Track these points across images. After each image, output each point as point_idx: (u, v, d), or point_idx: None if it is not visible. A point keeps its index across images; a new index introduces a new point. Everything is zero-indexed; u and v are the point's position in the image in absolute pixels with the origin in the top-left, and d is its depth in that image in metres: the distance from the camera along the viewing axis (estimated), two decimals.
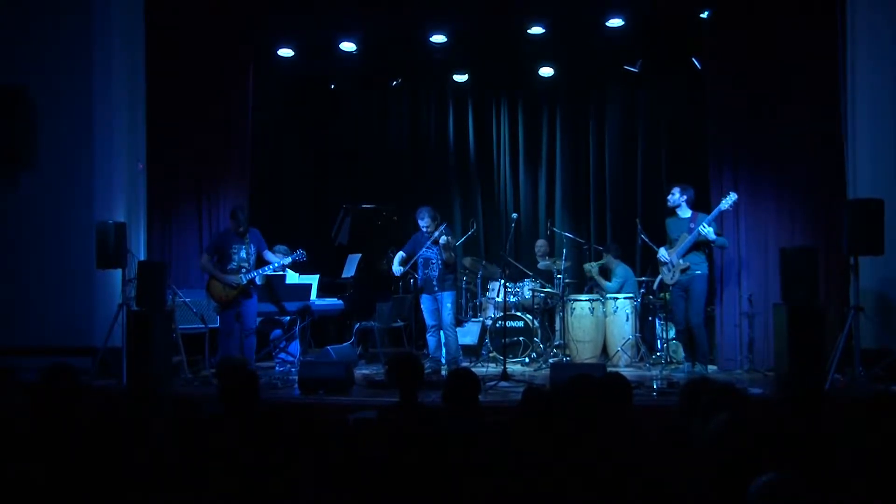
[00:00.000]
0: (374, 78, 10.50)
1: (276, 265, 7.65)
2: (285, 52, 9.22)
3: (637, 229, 8.05)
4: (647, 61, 9.40)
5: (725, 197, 7.24)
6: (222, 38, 8.50)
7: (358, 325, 8.71)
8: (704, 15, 8.02)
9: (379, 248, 9.25)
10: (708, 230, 7.11)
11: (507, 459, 3.13)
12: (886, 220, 6.65)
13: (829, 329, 6.84)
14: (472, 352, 8.95)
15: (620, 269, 8.91)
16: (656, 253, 7.64)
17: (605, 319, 8.59)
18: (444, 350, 7.88)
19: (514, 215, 8.34)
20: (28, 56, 8.00)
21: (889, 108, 7.24)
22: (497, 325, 8.50)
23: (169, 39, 8.40)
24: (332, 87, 10.62)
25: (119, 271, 7.52)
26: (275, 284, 7.95)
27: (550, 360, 8.14)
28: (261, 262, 7.68)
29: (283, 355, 8.31)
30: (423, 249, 7.76)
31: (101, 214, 7.78)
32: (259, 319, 7.98)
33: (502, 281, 8.32)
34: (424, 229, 7.83)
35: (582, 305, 8.55)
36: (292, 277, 8.33)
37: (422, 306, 8.00)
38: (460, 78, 10.41)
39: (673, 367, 7.77)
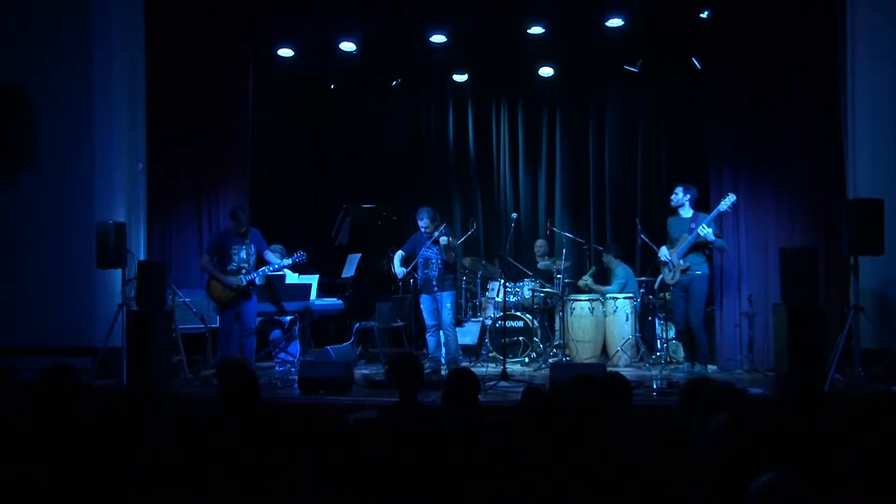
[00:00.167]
0: (374, 78, 10.50)
1: (277, 266, 7.65)
2: (285, 52, 9.22)
3: (637, 229, 8.05)
4: (647, 61, 9.41)
5: (724, 198, 7.24)
6: (222, 38, 8.50)
7: (358, 325, 8.71)
8: (704, 15, 8.02)
9: (379, 248, 9.26)
10: (707, 231, 7.10)
11: (507, 459, 3.12)
12: (886, 220, 6.65)
13: (829, 329, 6.84)
14: (471, 352, 8.95)
15: (621, 270, 8.91)
16: (656, 253, 7.64)
17: (604, 319, 8.59)
18: (443, 350, 7.89)
19: (514, 215, 8.35)
20: (28, 56, 8.00)
21: (889, 108, 7.25)
22: (497, 325, 8.50)
23: (169, 39, 8.40)
24: (332, 87, 10.62)
25: (119, 271, 7.52)
26: (275, 284, 7.95)
27: (550, 360, 8.14)
28: (261, 262, 7.67)
29: (283, 355, 8.31)
30: (423, 249, 7.76)
31: (101, 214, 7.78)
32: (259, 319, 7.97)
33: (502, 281, 8.32)
34: (424, 230, 7.83)
35: (582, 305, 8.55)
36: (292, 277, 8.33)
37: (421, 306, 8.00)
38: (460, 78, 10.41)
39: (673, 367, 7.77)
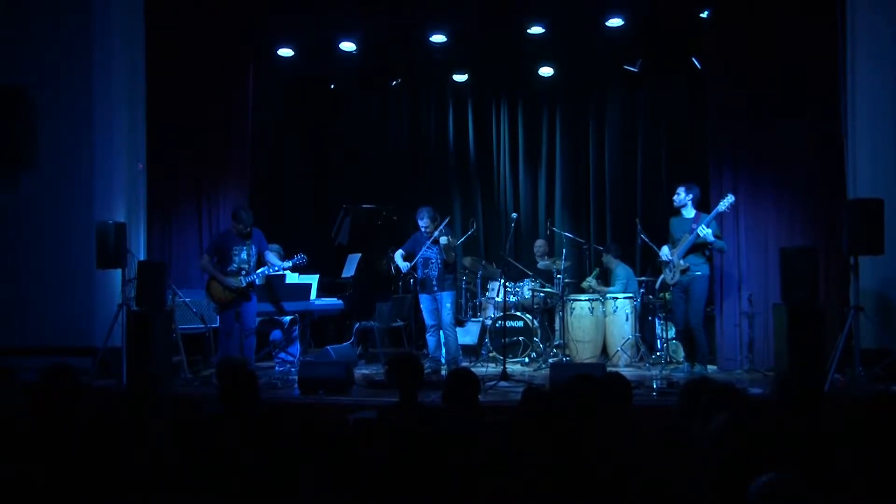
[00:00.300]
0: (374, 78, 10.50)
1: (278, 268, 7.63)
2: (285, 52, 9.22)
3: (637, 229, 8.05)
4: (647, 61, 9.40)
5: (723, 198, 7.23)
6: (222, 38, 8.50)
7: (358, 325, 8.71)
8: (704, 15, 8.02)
9: (379, 248, 9.25)
10: (707, 232, 7.09)
11: (507, 459, 3.12)
12: (886, 220, 6.65)
13: (829, 329, 6.84)
14: (471, 352, 8.95)
15: (621, 270, 8.91)
16: (656, 253, 7.64)
17: (604, 319, 8.59)
18: (443, 350, 7.89)
19: (514, 215, 8.35)
20: (28, 56, 8.00)
21: (889, 108, 7.24)
22: (497, 325, 8.50)
23: (169, 39, 8.40)
24: (332, 87, 10.62)
25: (119, 271, 7.52)
26: (274, 284, 7.94)
27: (550, 360, 8.14)
28: (262, 263, 7.65)
29: (283, 355, 8.31)
30: (423, 249, 7.77)
31: (101, 214, 7.78)
32: (259, 319, 7.97)
33: (502, 281, 8.32)
34: (424, 229, 7.83)
35: (582, 305, 8.55)
36: (292, 277, 8.32)
37: (421, 306, 8.00)
38: (460, 78, 10.41)
39: (673, 367, 7.77)
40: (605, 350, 8.62)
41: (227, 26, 8.49)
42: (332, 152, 10.91)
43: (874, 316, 6.97)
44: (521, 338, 8.62)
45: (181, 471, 3.13)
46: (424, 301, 7.91)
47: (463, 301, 9.61)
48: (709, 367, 7.51)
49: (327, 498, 3.09)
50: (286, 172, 10.44)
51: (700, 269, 7.25)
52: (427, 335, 8.02)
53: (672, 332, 8.02)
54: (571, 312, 8.49)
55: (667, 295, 8.07)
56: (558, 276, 8.75)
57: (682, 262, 7.26)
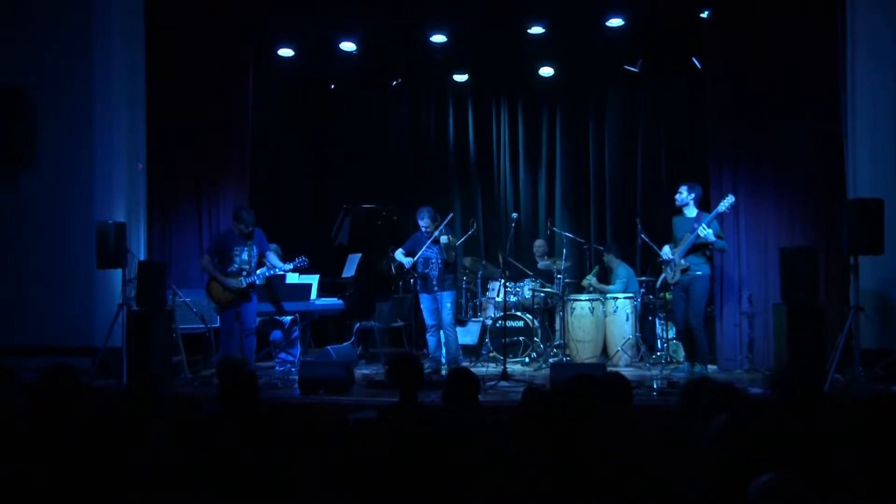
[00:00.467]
0: (374, 78, 10.50)
1: (278, 270, 7.62)
2: (285, 52, 9.22)
3: (637, 229, 8.04)
4: (647, 61, 9.40)
5: (723, 199, 7.23)
6: (222, 38, 8.50)
7: (358, 325, 8.71)
8: (704, 15, 8.02)
9: (379, 248, 9.25)
10: (707, 232, 7.08)
11: (507, 459, 3.12)
12: (886, 220, 6.65)
13: (829, 329, 6.85)
14: (472, 352, 8.96)
15: (622, 270, 8.91)
16: (656, 253, 7.64)
17: (605, 319, 8.58)
18: (444, 350, 7.89)
19: (514, 215, 8.35)
20: (28, 56, 8.00)
21: (889, 108, 7.24)
22: (497, 324, 8.50)
23: (169, 39, 8.40)
24: (332, 87, 10.62)
25: (119, 271, 7.52)
26: (275, 284, 7.94)
27: (550, 360, 8.14)
28: (263, 263, 7.64)
29: (283, 355, 8.31)
30: (424, 249, 7.77)
31: (101, 214, 7.78)
32: (259, 319, 7.97)
33: (502, 281, 8.32)
34: (424, 229, 7.83)
35: (582, 305, 8.55)
36: (292, 277, 8.32)
37: (421, 306, 8.00)
38: (460, 78, 10.41)
39: (673, 367, 7.77)
40: (605, 350, 8.62)
41: (227, 26, 8.49)
42: (332, 152, 10.91)
43: (874, 316, 6.97)
44: (521, 338, 8.62)
45: (181, 471, 3.13)
46: (425, 301, 7.92)
47: (463, 301, 9.61)
48: (709, 367, 7.50)
49: (327, 498, 3.09)
50: (286, 172, 10.44)
51: (701, 269, 7.25)
52: (427, 335, 8.02)
53: (672, 332, 8.02)
54: (572, 312, 8.49)
55: (667, 295, 8.07)
56: (558, 276, 8.75)
57: (682, 261, 7.26)
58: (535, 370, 8.11)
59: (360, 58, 9.35)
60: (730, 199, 7.20)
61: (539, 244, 9.59)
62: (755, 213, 7.82)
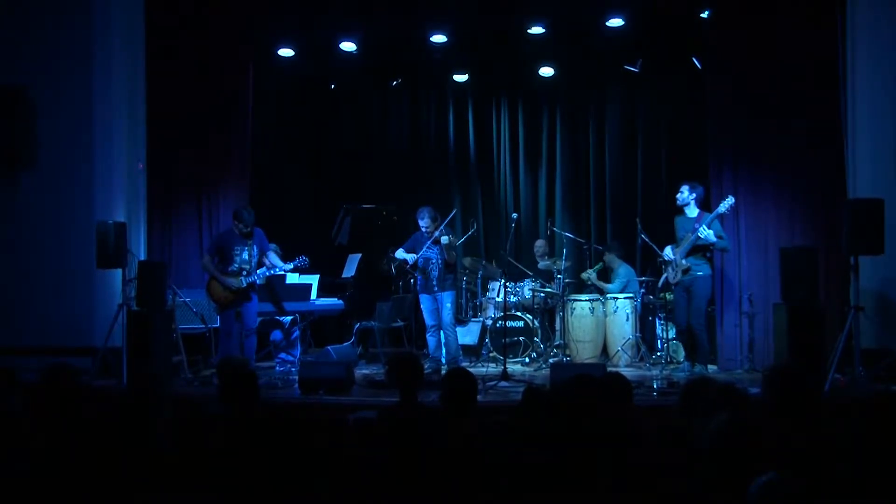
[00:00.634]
0: (374, 78, 10.50)
1: (279, 269, 7.62)
2: (285, 52, 9.22)
3: (637, 229, 8.04)
4: (647, 61, 9.40)
5: (723, 200, 7.23)
6: (222, 38, 8.50)
7: (358, 325, 8.71)
8: (704, 15, 8.03)
9: (379, 248, 9.24)
10: (708, 233, 7.07)
11: (507, 459, 3.12)
12: (886, 220, 6.64)
13: (829, 329, 6.85)
14: (472, 352, 8.96)
15: (623, 269, 8.91)
16: (656, 253, 7.63)
17: (605, 319, 8.58)
18: (444, 350, 7.89)
19: (514, 215, 8.35)
20: (28, 56, 8.00)
21: (889, 108, 7.24)
22: (497, 325, 8.50)
23: (169, 39, 8.40)
24: (332, 87, 10.61)
25: (119, 271, 7.52)
26: (275, 284, 7.94)
27: (550, 360, 8.14)
28: (264, 263, 7.63)
29: (283, 355, 8.31)
30: (424, 249, 7.77)
31: (101, 214, 7.77)
32: (259, 319, 7.97)
33: (502, 281, 8.31)
34: (424, 229, 7.83)
35: (582, 305, 8.55)
36: (292, 277, 8.32)
37: (421, 306, 8.00)
38: (460, 78, 10.40)
39: (673, 367, 7.76)
40: (605, 350, 8.62)
41: (227, 26, 8.49)
42: (333, 152, 10.90)
43: (874, 316, 6.97)
44: (521, 338, 8.62)
45: (181, 471, 3.13)
46: (425, 301, 7.92)
47: (463, 301, 9.61)
48: (709, 367, 7.51)
49: (328, 498, 3.09)
50: (286, 172, 10.43)
51: (701, 270, 7.25)
52: (427, 335, 8.02)
53: (672, 332, 8.02)
54: (572, 312, 8.49)
55: (668, 295, 8.07)
56: (559, 276, 8.75)
57: (683, 262, 7.25)
58: (535, 370, 8.11)
59: (360, 58, 9.35)
60: (730, 200, 7.20)
61: (539, 244, 9.59)
62: (755, 213, 7.82)
